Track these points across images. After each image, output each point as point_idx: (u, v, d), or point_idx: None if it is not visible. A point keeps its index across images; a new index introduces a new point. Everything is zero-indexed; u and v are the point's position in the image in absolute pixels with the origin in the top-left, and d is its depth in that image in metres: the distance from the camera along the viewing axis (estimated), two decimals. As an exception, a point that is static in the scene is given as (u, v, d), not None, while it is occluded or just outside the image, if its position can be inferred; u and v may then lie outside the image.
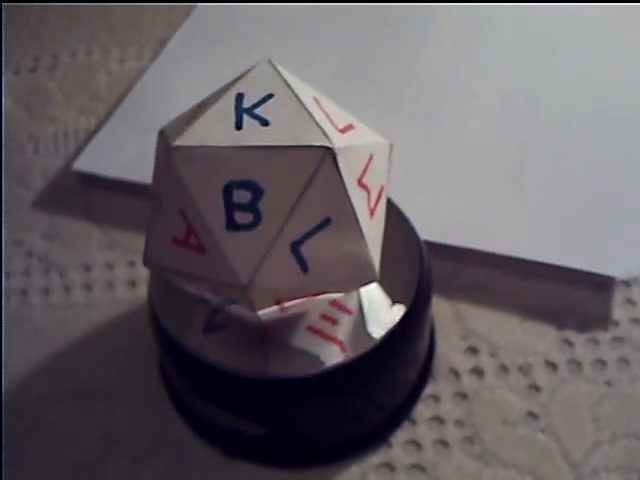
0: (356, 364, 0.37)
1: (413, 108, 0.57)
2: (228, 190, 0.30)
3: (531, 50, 0.61)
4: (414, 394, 0.43)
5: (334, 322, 0.38)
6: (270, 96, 0.32)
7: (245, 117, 0.31)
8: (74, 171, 0.55)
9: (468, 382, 0.43)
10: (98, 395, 0.45)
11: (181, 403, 0.43)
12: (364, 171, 0.32)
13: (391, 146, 0.35)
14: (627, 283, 0.47)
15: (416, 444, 0.41)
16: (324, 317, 0.38)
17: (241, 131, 0.31)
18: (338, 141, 0.31)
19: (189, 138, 0.31)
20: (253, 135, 0.31)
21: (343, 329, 0.38)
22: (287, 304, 0.33)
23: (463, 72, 0.59)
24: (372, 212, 0.33)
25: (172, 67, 0.62)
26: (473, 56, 0.61)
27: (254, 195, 0.30)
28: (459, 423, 0.42)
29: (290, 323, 0.37)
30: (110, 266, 0.51)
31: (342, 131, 0.32)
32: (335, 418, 0.39)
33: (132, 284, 0.49)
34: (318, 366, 0.36)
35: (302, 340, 0.37)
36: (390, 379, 0.40)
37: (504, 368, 0.44)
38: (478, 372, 0.44)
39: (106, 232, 0.52)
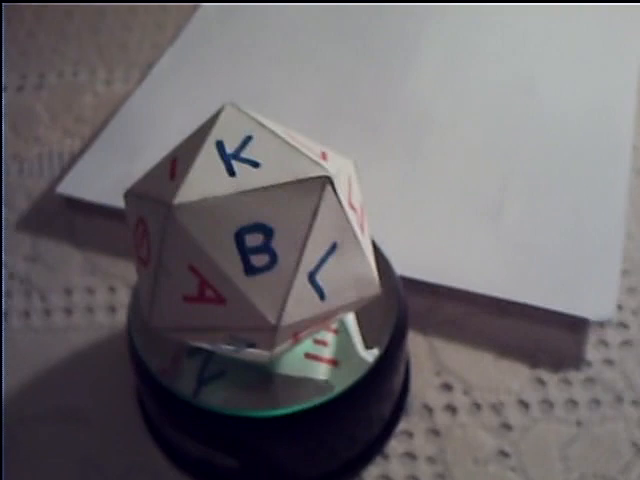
0: (331, 403, 0.38)
1: (394, 141, 0.58)
2: (240, 237, 0.31)
3: (514, 86, 0.62)
4: (387, 429, 0.44)
5: (325, 344, 0.39)
6: (249, 138, 0.33)
7: (234, 163, 0.32)
8: (58, 194, 0.55)
9: (441, 419, 0.44)
10: (76, 420, 0.45)
11: (156, 431, 0.43)
12: (349, 193, 0.34)
13: (355, 163, 0.36)
14: (601, 324, 0.48)
15: (388, 479, 0.42)
16: (317, 342, 0.39)
17: (236, 177, 0.31)
18: (330, 168, 0.32)
19: (188, 194, 0.31)
20: (249, 178, 0.31)
21: (334, 349, 0.39)
22: (301, 335, 0.34)
23: (445, 106, 0.60)
24: (363, 230, 0.35)
25: (158, 91, 0.63)
26: (456, 90, 0.62)
27: (266, 236, 0.31)
28: (431, 460, 0.43)
29: (290, 355, 0.38)
30: (91, 291, 0.51)
31: (323, 159, 0.33)
32: (309, 454, 0.40)
33: (112, 309, 0.50)
34: (327, 391, 0.38)
35: (304, 368, 0.39)
36: (365, 415, 0.41)
37: (477, 406, 0.45)
38: (451, 409, 0.45)
39: (88, 256, 0.53)
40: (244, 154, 0.32)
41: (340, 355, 0.39)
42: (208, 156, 0.32)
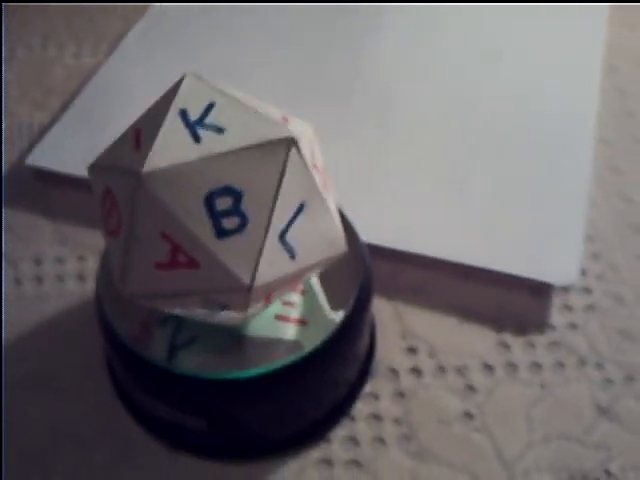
0: (297, 365, 0.38)
1: (362, 113, 0.59)
2: (209, 200, 0.32)
3: (480, 55, 0.63)
4: (353, 392, 0.44)
5: (293, 305, 0.40)
6: (211, 105, 0.33)
7: (199, 129, 0.32)
8: (27, 166, 0.56)
9: (406, 381, 0.45)
10: (47, 386, 0.46)
11: (126, 396, 0.44)
12: (312, 154, 0.34)
13: (314, 127, 0.37)
14: (565, 289, 0.49)
15: (354, 441, 0.43)
16: (285, 303, 0.40)
17: (202, 143, 0.32)
18: (294, 130, 0.33)
19: (156, 162, 0.32)
20: (215, 143, 0.32)
21: (302, 309, 0.40)
22: (273, 296, 0.35)
23: (412, 79, 0.61)
24: (327, 190, 0.35)
25: (127, 64, 0.63)
26: (423, 63, 0.63)
27: (235, 199, 0.32)
28: (396, 421, 0.44)
29: (260, 317, 0.39)
30: (61, 260, 0.52)
31: (285, 122, 0.33)
32: (276, 415, 0.41)
33: (81, 278, 0.51)
34: (296, 351, 0.38)
35: (274, 329, 0.39)
36: (331, 378, 0.42)
37: (442, 369, 0.46)
38: (416, 372, 0.46)
39: (58, 227, 0.53)
40: (208, 121, 0.33)
41: (308, 315, 0.40)
42: (172, 124, 0.32)
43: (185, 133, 0.32)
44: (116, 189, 0.33)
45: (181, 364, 0.38)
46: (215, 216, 0.32)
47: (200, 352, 0.39)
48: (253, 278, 0.32)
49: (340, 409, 0.44)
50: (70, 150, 0.56)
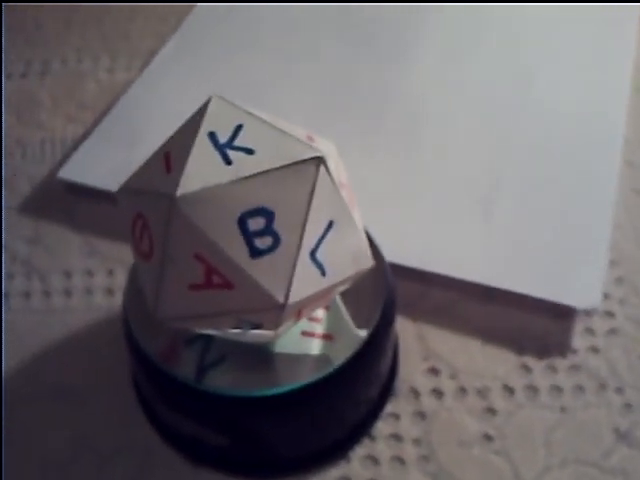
0: (324, 382, 0.39)
1: (391, 133, 0.59)
2: (242, 222, 0.32)
3: (512, 82, 0.63)
4: (375, 411, 0.45)
5: (318, 321, 0.41)
6: (240, 127, 0.34)
7: (229, 151, 0.33)
8: (59, 179, 0.57)
9: (427, 402, 0.46)
10: (71, 398, 0.47)
11: (150, 409, 0.45)
12: (338, 172, 0.35)
13: (336, 145, 0.37)
14: (588, 313, 0.49)
15: (374, 460, 0.44)
16: (311, 319, 0.41)
17: (233, 165, 0.33)
18: (321, 150, 0.33)
19: (189, 184, 0.32)
20: (246, 165, 0.33)
21: (327, 324, 0.41)
22: (304, 312, 0.36)
23: (443, 99, 0.61)
24: (353, 206, 0.36)
25: (159, 80, 0.64)
26: (453, 84, 0.63)
27: (267, 219, 0.33)
28: (416, 442, 0.44)
29: (288, 334, 0.40)
30: (90, 273, 0.53)
31: (311, 141, 0.34)
32: (297, 433, 0.41)
33: (110, 292, 0.52)
34: (324, 366, 0.39)
35: (301, 345, 0.40)
36: (353, 397, 0.42)
37: (463, 390, 0.46)
38: (437, 393, 0.46)
39: (87, 240, 0.54)
40: (237, 142, 0.33)
41: (334, 330, 0.41)
42: (202, 147, 0.33)
43: (216, 155, 0.33)
44: (148, 212, 0.34)
45: (210, 383, 0.39)
46: (248, 237, 0.32)
47: (229, 371, 0.39)
48: (287, 296, 0.33)
49: (361, 428, 0.44)
50: (101, 164, 0.57)
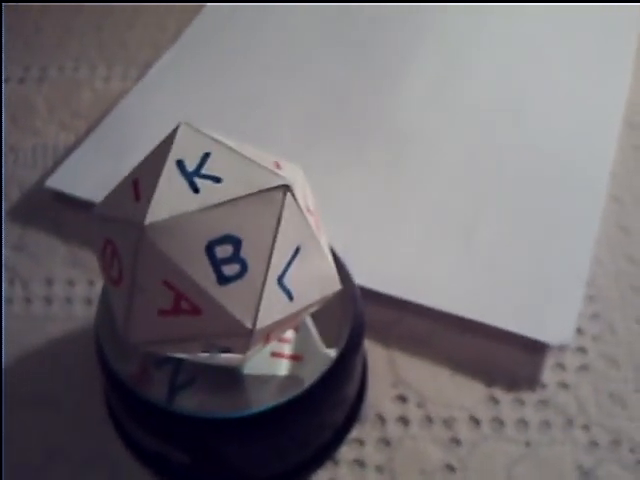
0: (289, 406, 0.40)
1: (376, 154, 0.60)
2: (210, 249, 0.33)
3: (502, 110, 0.63)
4: (340, 436, 0.46)
5: (287, 341, 0.42)
6: (207, 155, 0.35)
7: (197, 179, 0.34)
8: (47, 188, 0.58)
9: (393, 429, 0.46)
10: (45, 407, 0.48)
11: (119, 423, 0.46)
12: (305, 198, 0.36)
13: (302, 169, 0.38)
14: (560, 348, 0.50)
15: (336, 485, 0.44)
16: (280, 340, 0.42)
17: (200, 193, 0.33)
18: (288, 177, 0.34)
19: (157, 213, 0.33)
20: (214, 193, 0.34)
21: (296, 345, 0.42)
22: (272, 336, 0.37)
23: (431, 123, 0.62)
24: (320, 231, 0.37)
25: (153, 92, 0.65)
26: (443, 108, 0.64)
27: (235, 246, 0.33)
28: (379, 468, 0.45)
29: (258, 355, 0.40)
30: (71, 283, 0.54)
31: (278, 168, 0.35)
32: (262, 455, 0.42)
33: (89, 302, 0.53)
34: (295, 386, 0.40)
35: (270, 366, 0.41)
36: (317, 421, 0.43)
37: (429, 419, 0.47)
38: (404, 421, 0.47)
39: (71, 249, 0.55)
40: (205, 170, 0.34)
41: (303, 351, 0.41)
42: (170, 175, 0.34)
43: (183, 184, 0.34)
44: (117, 240, 0.35)
45: (181, 405, 0.40)
46: (216, 264, 0.33)
47: (199, 392, 0.40)
48: (254, 322, 0.34)
49: (325, 452, 0.45)
50: (90, 175, 0.58)
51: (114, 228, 0.35)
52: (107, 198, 0.36)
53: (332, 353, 0.41)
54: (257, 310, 0.34)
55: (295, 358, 0.41)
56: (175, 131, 0.36)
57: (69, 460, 0.45)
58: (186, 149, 0.35)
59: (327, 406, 0.42)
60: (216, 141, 0.35)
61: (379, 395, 0.48)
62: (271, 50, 0.69)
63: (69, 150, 0.62)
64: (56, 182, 0.58)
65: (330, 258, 0.37)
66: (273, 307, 0.34)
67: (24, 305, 0.53)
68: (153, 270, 0.33)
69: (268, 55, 0.68)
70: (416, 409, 0.47)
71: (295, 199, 0.34)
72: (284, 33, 0.70)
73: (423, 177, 0.58)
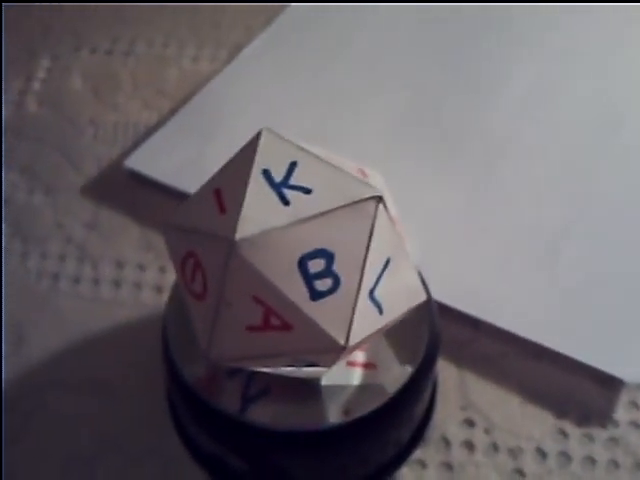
0: (358, 423, 0.39)
1: (465, 167, 0.59)
2: (302, 264, 0.33)
3: (599, 127, 0.62)
4: (402, 455, 0.45)
5: (362, 348, 0.41)
6: (294, 164, 0.34)
7: (285, 191, 0.34)
8: (125, 168, 0.58)
9: (457, 454, 0.46)
10: (104, 393, 0.49)
11: (179, 421, 0.46)
12: (391, 206, 0.36)
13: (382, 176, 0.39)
14: (636, 385, 0.49)
15: (393, 505, 0.44)
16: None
17: (291, 205, 0.33)
18: (378, 187, 0.34)
19: (247, 228, 0.33)
20: (304, 206, 0.33)
21: (370, 352, 0.41)
22: (358, 348, 0.36)
23: (524, 139, 0.61)
24: (404, 240, 0.37)
25: (241, 77, 0.65)
26: (538, 123, 0.62)
27: (327, 261, 0.33)
28: (439, 493, 0.45)
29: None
30: (142, 267, 0.54)
31: (364, 176, 0.35)
32: (320, 469, 0.42)
33: (159, 290, 0.53)
34: (370, 399, 0.40)
35: (346, 376, 0.40)
36: (384, 438, 0.43)
37: (495, 447, 0.47)
38: (469, 446, 0.47)
39: (145, 232, 0.56)
40: (293, 181, 0.34)
41: (376, 359, 0.41)
42: (258, 186, 0.33)
43: (272, 195, 0.33)
44: (202, 254, 0.34)
45: (254, 416, 0.39)
46: (309, 279, 0.33)
47: (274, 403, 0.40)
48: (348, 338, 0.33)
49: (386, 471, 0.45)
50: (170, 158, 0.58)
51: (198, 241, 0.34)
52: (185, 208, 0.36)
53: (409, 366, 0.41)
54: (350, 326, 0.33)
55: (369, 366, 0.41)
56: (258, 137, 0.35)
57: (121, 451, 0.46)
58: (271, 157, 0.34)
59: (397, 424, 0.42)
60: (301, 149, 0.35)
61: (446, 417, 0.48)
62: (362, 48, 0.68)
63: (150, 130, 0.62)
64: (135, 162, 0.58)
65: (415, 269, 0.37)
66: (365, 321, 0.34)
67: (92, 286, 0.54)
68: (243, 286, 0.33)
69: (358, 52, 0.68)
70: (483, 435, 0.47)
71: (387, 210, 0.34)
72: (380, 31, 0.69)
73: (510, 192, 0.57)
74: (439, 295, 0.48)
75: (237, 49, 0.69)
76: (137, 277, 0.54)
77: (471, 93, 0.65)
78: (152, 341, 0.48)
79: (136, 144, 0.61)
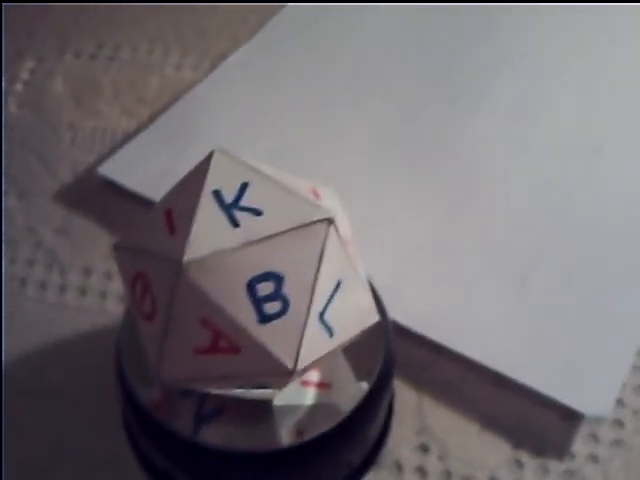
0: (312, 443, 0.40)
1: (438, 188, 0.59)
2: (251, 287, 0.33)
3: (576, 155, 0.62)
4: (354, 478, 0.45)
5: (315, 369, 0.41)
6: (245, 185, 0.34)
7: (236, 212, 0.34)
8: (99, 175, 0.58)
9: (409, 479, 0.46)
10: (61, 401, 0.49)
11: (132, 436, 0.46)
12: (344, 227, 0.36)
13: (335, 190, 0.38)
14: (596, 419, 0.49)
15: (341, 528, 0.44)
16: None
17: (241, 227, 0.33)
18: (330, 209, 0.34)
19: (196, 249, 0.33)
20: (254, 228, 0.33)
21: (324, 372, 0.41)
22: (308, 370, 0.36)
23: (500, 163, 0.61)
24: (356, 259, 0.37)
25: (224, 85, 0.65)
26: (516, 147, 0.62)
27: (277, 283, 0.33)
28: (388, 518, 0.45)
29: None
30: (108, 276, 0.54)
31: (316, 197, 0.35)
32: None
33: (123, 300, 0.53)
34: (324, 419, 0.40)
35: (300, 396, 0.41)
36: (335, 461, 0.43)
37: (448, 474, 0.47)
38: (422, 472, 0.47)
39: (114, 241, 0.56)
40: (244, 202, 0.34)
41: (331, 378, 0.41)
42: (208, 207, 0.34)
43: (222, 217, 0.34)
44: (151, 274, 0.34)
45: (207, 436, 0.39)
46: (257, 302, 0.33)
47: (226, 423, 0.40)
48: (296, 362, 0.33)
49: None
50: (144, 167, 0.59)
51: (147, 262, 0.34)
52: (135, 228, 0.36)
53: (364, 385, 0.41)
54: (299, 350, 0.33)
55: (323, 386, 0.41)
56: (209, 158, 0.35)
57: (77, 460, 0.46)
58: (222, 178, 0.34)
59: (351, 444, 0.42)
60: (253, 169, 0.35)
61: (401, 440, 0.48)
62: (347, 59, 0.68)
63: (127, 137, 0.62)
64: (108, 170, 0.59)
65: (368, 289, 0.37)
66: (314, 345, 0.34)
67: (58, 293, 0.54)
68: (191, 307, 0.33)
69: (343, 63, 0.68)
70: (437, 461, 0.47)
71: (337, 233, 0.34)
72: (364, 43, 0.69)
73: (481, 216, 0.57)
74: (402, 317, 0.48)
75: (221, 57, 0.69)
76: (103, 285, 0.54)
77: (451, 111, 0.65)
78: (113, 351, 0.48)
79: (113, 151, 0.61)
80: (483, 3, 0.72)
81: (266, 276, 0.33)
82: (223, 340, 0.33)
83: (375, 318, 0.38)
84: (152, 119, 0.63)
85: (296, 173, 0.37)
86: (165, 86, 0.67)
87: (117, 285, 0.54)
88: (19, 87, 0.67)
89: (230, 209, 0.34)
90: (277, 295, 0.33)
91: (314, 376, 0.41)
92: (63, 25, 0.73)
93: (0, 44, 0.71)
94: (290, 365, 0.33)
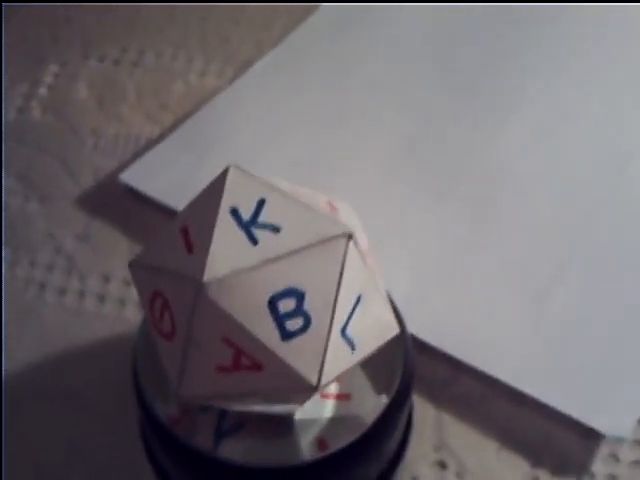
0: (326, 461, 0.39)
1: (461, 200, 0.59)
2: (272, 304, 0.33)
3: (604, 168, 0.61)
4: (369, 494, 0.46)
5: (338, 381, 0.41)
6: (262, 202, 0.34)
7: (254, 230, 0.34)
8: (120, 182, 0.59)
9: (425, 496, 0.46)
10: (79, 406, 0.49)
11: (150, 449, 0.46)
12: (361, 240, 0.36)
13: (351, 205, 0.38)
14: (616, 439, 0.49)
15: None
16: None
17: (260, 245, 0.33)
18: (347, 223, 0.34)
19: (216, 268, 0.33)
20: (274, 245, 0.33)
21: (344, 384, 0.41)
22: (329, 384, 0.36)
23: (525, 175, 0.61)
24: (375, 272, 0.37)
25: (247, 93, 0.66)
26: (542, 159, 0.62)
27: (298, 300, 0.33)
28: (404, 535, 0.45)
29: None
30: (127, 283, 0.55)
31: (333, 211, 0.35)
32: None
33: (142, 308, 0.53)
34: (345, 432, 0.39)
35: (320, 408, 0.40)
36: (354, 475, 0.42)
37: (465, 492, 0.47)
38: (439, 489, 0.47)
39: (134, 248, 0.56)
40: (261, 219, 0.34)
41: (350, 389, 0.41)
42: (226, 225, 0.33)
43: (240, 235, 0.33)
44: (170, 294, 0.34)
45: (227, 451, 0.39)
46: (279, 319, 0.33)
47: (247, 438, 0.40)
48: (320, 378, 0.33)
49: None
50: (165, 175, 0.59)
51: (166, 281, 0.34)
52: (152, 246, 0.36)
53: (384, 398, 0.40)
54: (322, 365, 0.33)
55: (342, 397, 0.41)
56: (224, 174, 0.35)
57: (90, 465, 0.47)
58: (239, 195, 0.34)
59: (372, 457, 0.42)
60: (269, 186, 0.35)
61: (419, 456, 0.48)
62: (373, 68, 0.68)
63: (150, 143, 0.63)
64: (130, 177, 0.59)
65: (388, 302, 0.37)
66: (337, 360, 0.34)
67: (77, 298, 0.54)
68: (212, 327, 0.33)
69: (369, 73, 0.68)
70: (454, 478, 0.47)
71: (357, 247, 0.34)
72: (393, 50, 0.69)
73: (501, 231, 0.57)
74: (422, 333, 0.48)
75: (245, 64, 0.69)
76: (122, 293, 0.54)
77: (478, 123, 0.65)
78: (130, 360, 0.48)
79: (135, 157, 0.61)
80: (517, 15, 0.72)
81: (287, 293, 0.33)
82: (245, 358, 0.33)
83: (396, 330, 0.38)
84: (175, 126, 0.63)
85: (315, 184, 0.37)
86: (189, 93, 0.67)
87: (136, 293, 0.53)
88: (43, 91, 0.68)
89: (248, 226, 0.34)
90: (299, 311, 0.33)
91: (333, 388, 0.41)
92: (87, 30, 0.73)
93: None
94: (314, 381, 0.33)
